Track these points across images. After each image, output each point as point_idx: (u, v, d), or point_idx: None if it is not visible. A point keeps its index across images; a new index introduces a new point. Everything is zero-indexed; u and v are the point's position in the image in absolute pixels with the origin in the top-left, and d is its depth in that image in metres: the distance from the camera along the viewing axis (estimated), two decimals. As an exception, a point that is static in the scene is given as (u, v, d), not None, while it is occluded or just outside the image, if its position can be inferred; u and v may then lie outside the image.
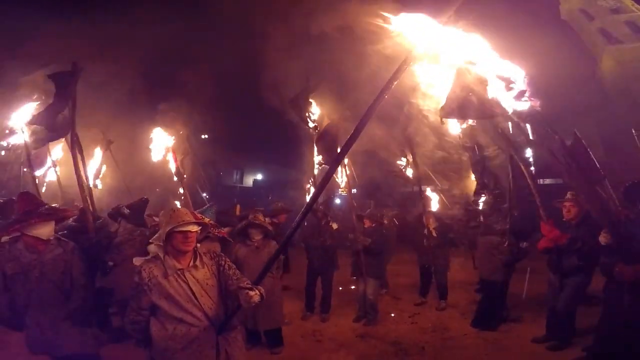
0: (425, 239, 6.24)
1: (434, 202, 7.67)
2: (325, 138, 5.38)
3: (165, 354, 2.34)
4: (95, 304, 3.35)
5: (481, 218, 6.55)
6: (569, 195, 4.48)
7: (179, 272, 2.38)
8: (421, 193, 6.70)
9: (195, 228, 2.42)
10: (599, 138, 18.20)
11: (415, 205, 7.62)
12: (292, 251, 8.03)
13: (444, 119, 2.89)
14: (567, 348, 4.35)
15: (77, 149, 4.19)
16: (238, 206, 6.42)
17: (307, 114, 6.40)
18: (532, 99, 2.59)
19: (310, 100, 6.42)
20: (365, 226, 5.83)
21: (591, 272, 4.31)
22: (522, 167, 4.53)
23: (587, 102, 20.27)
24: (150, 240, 2.44)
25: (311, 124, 6.40)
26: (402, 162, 7.93)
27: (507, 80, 2.53)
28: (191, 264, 2.44)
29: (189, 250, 2.43)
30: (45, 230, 2.97)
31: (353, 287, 6.12)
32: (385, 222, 6.96)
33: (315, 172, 7.33)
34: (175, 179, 6.51)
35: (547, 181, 12.85)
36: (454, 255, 7.00)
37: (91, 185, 7.54)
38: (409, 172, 7.50)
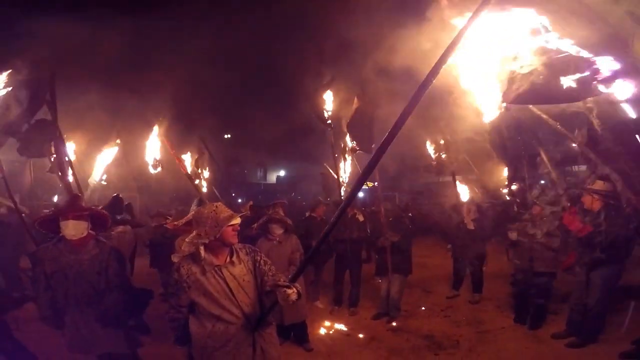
0: (462, 231, 5.98)
1: (466, 192, 7.34)
2: (358, 122, 5.25)
3: (204, 353, 2.34)
4: (132, 304, 3.33)
5: (515, 208, 6.28)
6: (594, 185, 4.20)
7: (216, 269, 2.36)
8: (454, 183, 6.40)
9: (239, 220, 2.41)
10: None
11: (446, 195, 7.37)
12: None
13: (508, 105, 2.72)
14: (591, 344, 4.12)
15: (62, 149, 4.25)
16: (250, 203, 6.41)
17: (322, 111, 6.33)
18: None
19: (324, 97, 6.33)
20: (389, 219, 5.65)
21: (621, 263, 4.06)
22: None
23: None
24: (187, 240, 2.40)
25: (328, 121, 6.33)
26: (431, 150, 7.65)
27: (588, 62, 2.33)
28: (228, 260, 2.41)
29: (233, 244, 2.41)
30: (72, 231, 2.99)
31: (380, 280, 6.00)
32: (410, 214, 6.77)
33: (343, 163, 7.25)
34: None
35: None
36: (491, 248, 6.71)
37: (97, 182, 7.89)
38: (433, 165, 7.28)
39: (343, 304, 5.80)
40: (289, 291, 2.17)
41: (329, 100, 6.36)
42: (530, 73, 2.40)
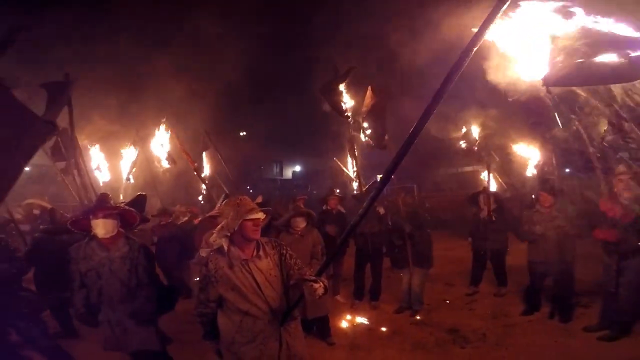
0: (482, 222, 5.79)
1: (490, 181, 7.08)
2: (372, 116, 5.17)
3: (232, 348, 2.34)
4: (162, 301, 3.34)
5: (533, 196, 6.05)
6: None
7: (243, 263, 2.35)
8: (488, 170, 6.13)
9: (262, 215, 2.38)
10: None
11: (466, 186, 7.18)
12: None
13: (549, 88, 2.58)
14: (624, 337, 3.95)
15: (77, 152, 4.34)
16: (260, 197, 6.42)
17: (339, 103, 6.21)
18: None
19: (341, 89, 6.22)
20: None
21: None
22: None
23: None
24: (214, 232, 2.40)
25: (346, 113, 6.22)
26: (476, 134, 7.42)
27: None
28: (255, 254, 2.39)
29: (257, 238, 2.39)
30: (103, 229, 3.03)
31: (402, 274, 5.92)
32: (428, 206, 6.62)
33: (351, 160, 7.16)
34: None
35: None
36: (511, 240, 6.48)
37: (124, 181, 8.10)
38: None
39: (364, 298, 5.75)
40: (316, 285, 2.15)
41: (345, 92, 6.25)
42: (573, 54, 2.25)
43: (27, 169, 4.80)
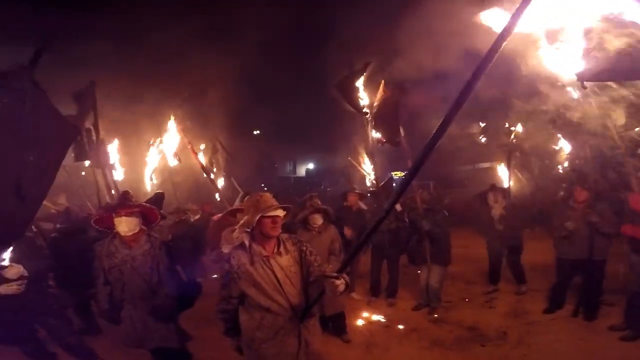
0: (496, 220, 5.65)
1: (505, 178, 6.89)
2: (384, 112, 5.08)
3: (252, 345, 2.35)
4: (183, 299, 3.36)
5: (561, 193, 5.88)
6: None
7: (264, 259, 2.36)
8: (509, 165, 5.97)
9: (282, 213, 2.38)
10: None
11: (484, 183, 7.00)
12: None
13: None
14: None
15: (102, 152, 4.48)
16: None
17: (357, 99, 6.15)
18: None
19: (357, 85, 6.16)
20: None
21: None
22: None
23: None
24: (236, 227, 2.42)
25: (364, 110, 6.15)
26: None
27: None
28: (275, 250, 2.40)
29: (276, 236, 2.40)
30: (124, 227, 3.08)
31: (419, 271, 5.84)
32: (446, 202, 6.50)
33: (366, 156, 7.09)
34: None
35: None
36: (528, 237, 6.32)
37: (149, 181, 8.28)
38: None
39: (380, 295, 5.71)
40: (338, 282, 2.14)
41: (362, 88, 6.19)
42: (608, 49, 2.13)
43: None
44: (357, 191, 6.27)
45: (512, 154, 6.30)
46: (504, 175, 6.58)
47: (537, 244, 7.07)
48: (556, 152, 7.62)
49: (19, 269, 3.28)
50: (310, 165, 32.57)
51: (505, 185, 6.46)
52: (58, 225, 4.98)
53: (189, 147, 6.97)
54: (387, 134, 5.86)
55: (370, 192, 6.77)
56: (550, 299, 4.95)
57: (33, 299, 3.44)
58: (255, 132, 23.46)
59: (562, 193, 5.75)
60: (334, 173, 19.37)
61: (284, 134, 23.33)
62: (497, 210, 5.62)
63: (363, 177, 9.07)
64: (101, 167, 6.13)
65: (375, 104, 6.01)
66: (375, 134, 6.13)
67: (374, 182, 6.65)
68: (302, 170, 32.40)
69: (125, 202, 3.19)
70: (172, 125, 7.78)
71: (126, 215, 3.07)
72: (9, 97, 2.14)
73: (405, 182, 1.85)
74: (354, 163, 8.54)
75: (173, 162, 8.37)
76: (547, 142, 7.00)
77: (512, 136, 7.05)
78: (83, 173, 7.67)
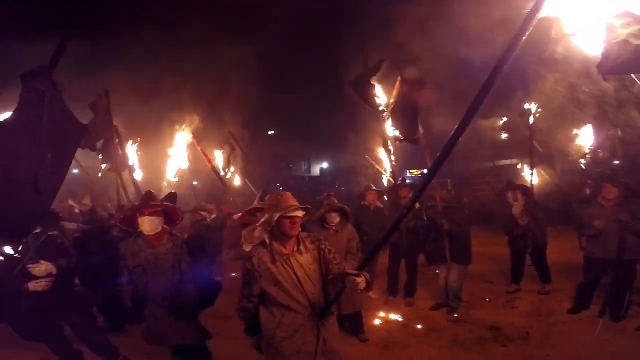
0: (518, 219, 5.50)
1: (528, 176, 6.65)
2: (401, 108, 5.01)
3: (272, 343, 2.36)
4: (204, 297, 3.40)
5: (587, 191, 5.69)
6: None
7: (284, 258, 2.37)
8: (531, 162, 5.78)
9: (301, 213, 2.39)
10: None
11: (504, 180, 6.81)
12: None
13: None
14: None
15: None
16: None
17: (372, 97, 6.10)
18: None
19: (373, 82, 6.10)
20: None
21: None
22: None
23: None
24: (257, 225, 2.44)
25: (381, 107, 6.10)
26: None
27: None
28: (295, 249, 2.42)
29: (295, 235, 2.41)
30: (149, 227, 3.15)
31: (437, 271, 5.76)
32: (466, 200, 6.37)
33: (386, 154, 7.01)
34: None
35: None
36: (551, 236, 6.12)
37: (171, 180, 8.46)
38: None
39: (398, 295, 5.66)
40: (359, 279, 2.12)
41: (378, 85, 6.14)
42: (629, 41, 2.03)
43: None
44: (375, 190, 6.21)
45: (531, 150, 6.09)
46: (526, 172, 6.39)
47: (560, 242, 6.88)
48: (579, 148, 7.35)
49: (48, 267, 3.37)
50: (325, 165, 32.58)
51: (528, 182, 6.28)
52: (82, 225, 5.12)
53: (202, 156, 7.08)
54: (405, 131, 5.79)
55: (387, 190, 6.70)
56: (576, 299, 4.80)
57: (60, 297, 3.54)
58: (270, 133, 23.63)
59: (588, 191, 5.53)
60: (348, 172, 19.32)
61: (298, 134, 23.42)
62: (517, 208, 5.50)
63: (377, 176, 9.00)
64: (118, 172, 6.30)
65: (392, 100, 5.94)
66: (394, 132, 6.06)
67: (391, 180, 6.57)
68: (316, 170, 32.44)
69: (148, 201, 3.25)
70: (185, 134, 7.95)
71: (149, 214, 3.13)
72: (31, 97, 2.25)
73: (427, 180, 1.82)
74: (372, 162, 8.48)
75: (185, 165, 8.55)
76: (570, 135, 6.71)
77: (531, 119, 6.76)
78: (100, 175, 7.86)
